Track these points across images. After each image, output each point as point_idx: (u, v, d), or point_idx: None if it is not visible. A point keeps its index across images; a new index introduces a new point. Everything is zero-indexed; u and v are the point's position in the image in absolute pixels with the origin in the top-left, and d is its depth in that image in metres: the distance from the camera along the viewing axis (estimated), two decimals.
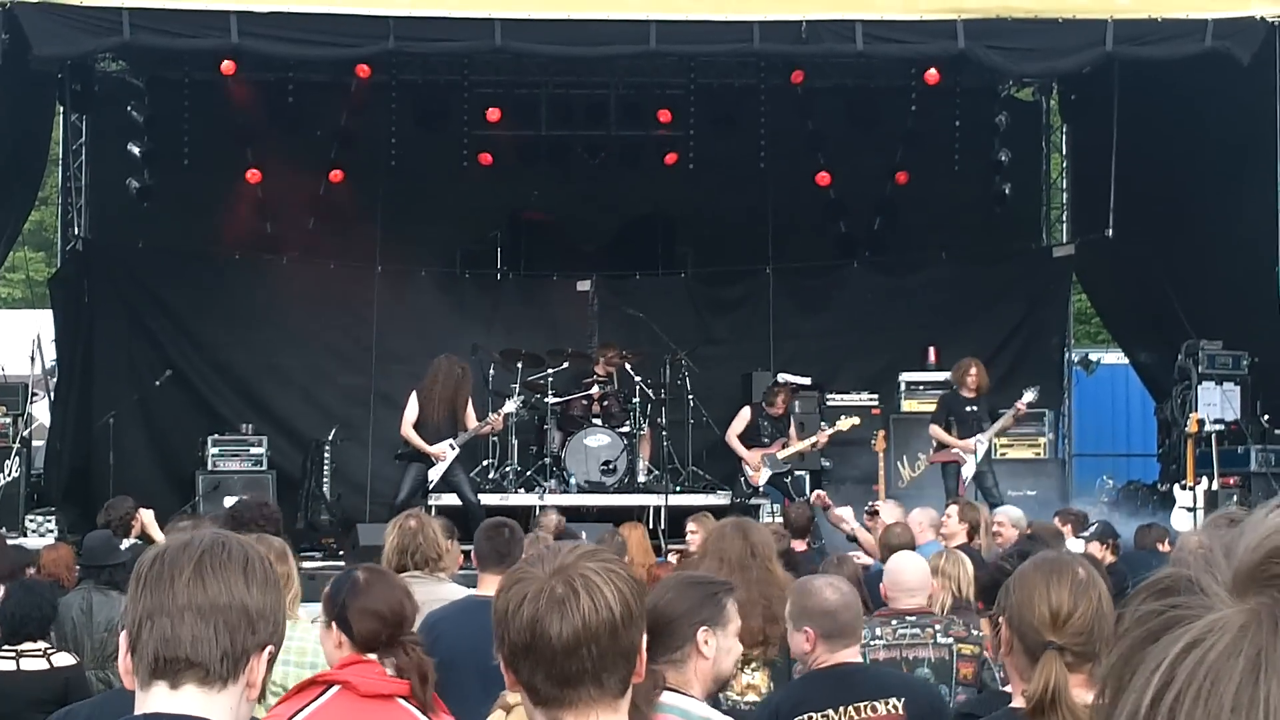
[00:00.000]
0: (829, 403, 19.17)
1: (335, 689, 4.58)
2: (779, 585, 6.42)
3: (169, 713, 2.67)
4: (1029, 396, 17.22)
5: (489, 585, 7.35)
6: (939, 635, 7.31)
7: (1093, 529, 12.63)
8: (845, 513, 12.99)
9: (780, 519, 14.31)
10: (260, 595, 2.76)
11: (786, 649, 6.45)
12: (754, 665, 6.48)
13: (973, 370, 17.14)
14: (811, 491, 16.98)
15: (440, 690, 6.20)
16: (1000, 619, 3.95)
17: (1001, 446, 18.68)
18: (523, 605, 2.66)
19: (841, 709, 5.69)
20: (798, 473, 17.94)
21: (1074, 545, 11.35)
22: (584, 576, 2.67)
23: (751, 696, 6.42)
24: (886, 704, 5.71)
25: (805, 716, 5.66)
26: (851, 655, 5.83)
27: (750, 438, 17.73)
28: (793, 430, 17.80)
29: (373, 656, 4.71)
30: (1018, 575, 3.99)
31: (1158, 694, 1.15)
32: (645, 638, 2.78)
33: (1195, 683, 1.14)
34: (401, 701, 4.60)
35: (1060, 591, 3.81)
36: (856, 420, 17.89)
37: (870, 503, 13.70)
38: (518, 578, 2.73)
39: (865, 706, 5.70)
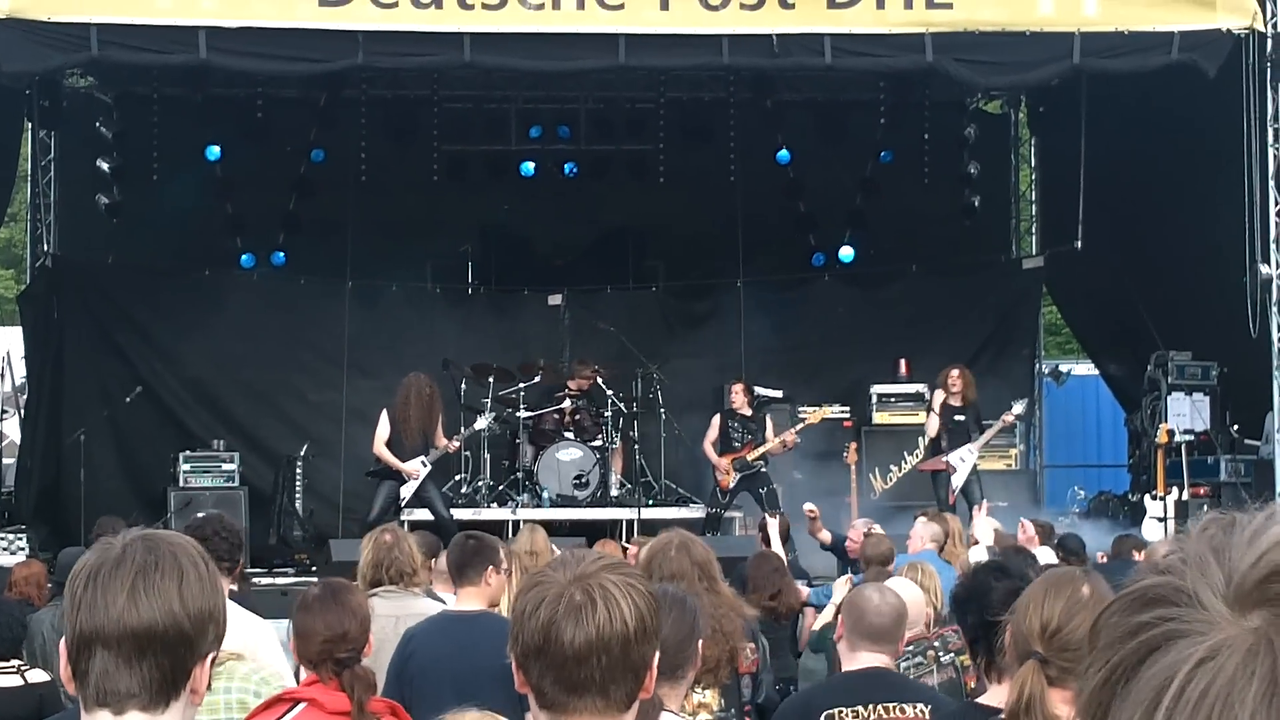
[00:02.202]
0: (800, 415, 19.20)
1: (301, 706, 4.59)
2: (727, 604, 6.40)
3: None
4: (1018, 409, 17.35)
5: (464, 598, 7.37)
6: (941, 656, 7.28)
7: (1058, 539, 12.73)
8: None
9: (757, 530, 14.34)
10: (198, 604, 2.71)
11: (735, 668, 6.46)
12: (703, 684, 6.46)
13: (953, 373, 17.27)
14: (779, 507, 17.02)
15: (417, 703, 6.21)
16: (1006, 626, 4.03)
17: None
18: (540, 608, 2.69)
19: (870, 706, 5.76)
20: (774, 485, 17.91)
21: (1040, 554, 11.40)
22: (603, 587, 2.70)
23: (704, 715, 6.40)
24: (915, 707, 5.77)
25: (836, 710, 5.75)
26: (880, 661, 5.89)
27: (723, 444, 17.71)
28: (769, 431, 17.74)
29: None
30: (1030, 585, 4.10)
31: (1168, 714, 1.11)
32: (657, 656, 2.79)
33: (1207, 704, 1.10)
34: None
35: (1054, 605, 3.87)
36: (826, 412, 18.02)
37: (865, 522, 13.57)
38: (538, 580, 2.76)
39: (894, 707, 5.76)
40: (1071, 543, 12.44)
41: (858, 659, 5.93)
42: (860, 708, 5.76)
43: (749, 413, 17.78)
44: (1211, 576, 1.17)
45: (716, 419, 17.88)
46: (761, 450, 17.52)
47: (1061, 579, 4.04)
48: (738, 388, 17.92)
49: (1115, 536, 13.37)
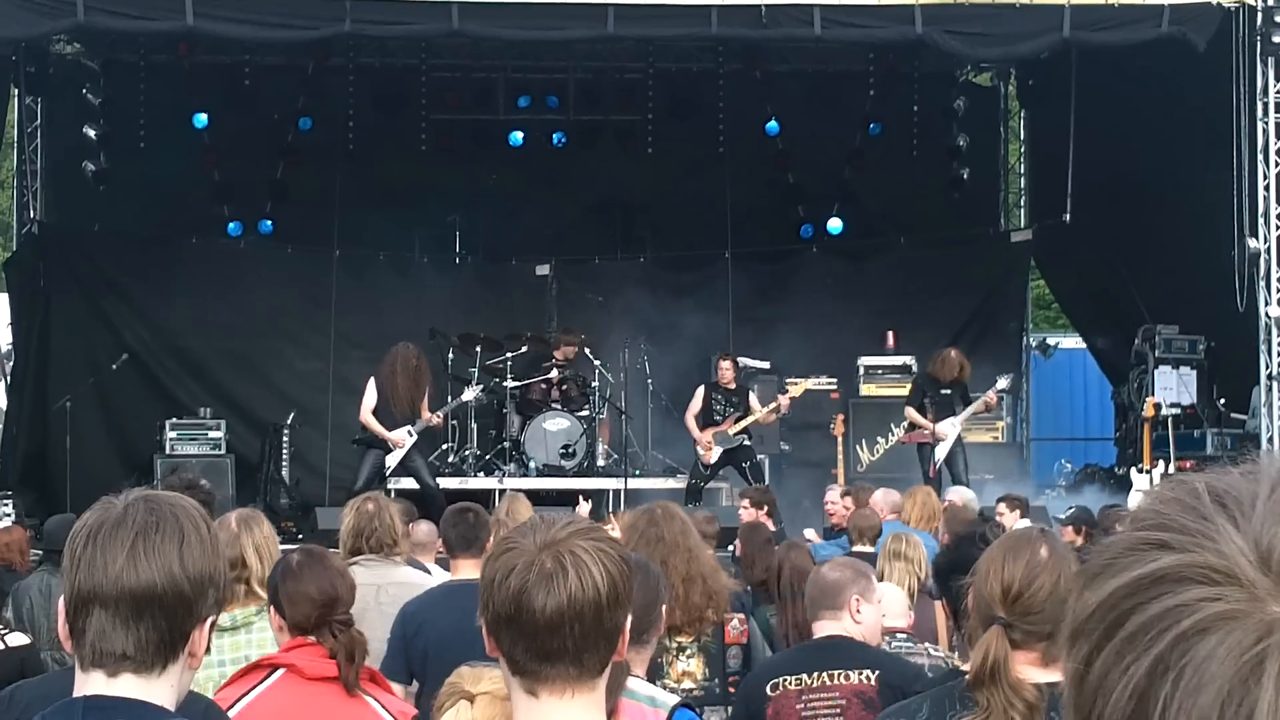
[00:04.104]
0: (788, 387, 19.20)
1: (280, 672, 4.58)
2: (710, 566, 6.46)
3: (109, 695, 2.66)
4: (1002, 384, 17.33)
5: (463, 569, 7.40)
6: (931, 650, 7.28)
7: (1069, 513, 12.73)
8: None
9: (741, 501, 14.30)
10: (198, 567, 2.70)
11: (720, 632, 6.48)
12: (689, 652, 6.49)
13: (951, 353, 17.30)
14: (764, 479, 17.01)
15: (430, 677, 6.19)
16: (968, 590, 4.00)
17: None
18: (510, 576, 2.63)
19: (816, 673, 5.86)
20: (759, 457, 17.89)
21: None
22: (574, 553, 2.64)
23: (687, 684, 6.42)
24: (860, 674, 5.86)
25: (781, 679, 5.88)
26: (836, 629, 6.00)
27: (706, 417, 17.65)
28: (752, 402, 17.67)
29: (312, 639, 4.71)
30: (987, 549, 4.05)
31: (1273, 704, 1.05)
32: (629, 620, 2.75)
33: None
34: None
35: (1014, 568, 3.83)
36: (809, 384, 18.07)
37: (837, 488, 13.60)
38: (507, 547, 2.70)
39: (839, 674, 5.86)
40: (1082, 515, 12.46)
41: (816, 629, 6.10)
42: (805, 675, 5.87)
43: (733, 387, 17.73)
44: (1243, 548, 1.10)
45: (700, 390, 17.83)
46: (744, 424, 17.47)
47: (1019, 541, 3.99)
48: (726, 363, 17.86)
49: (1100, 508, 13.34)
